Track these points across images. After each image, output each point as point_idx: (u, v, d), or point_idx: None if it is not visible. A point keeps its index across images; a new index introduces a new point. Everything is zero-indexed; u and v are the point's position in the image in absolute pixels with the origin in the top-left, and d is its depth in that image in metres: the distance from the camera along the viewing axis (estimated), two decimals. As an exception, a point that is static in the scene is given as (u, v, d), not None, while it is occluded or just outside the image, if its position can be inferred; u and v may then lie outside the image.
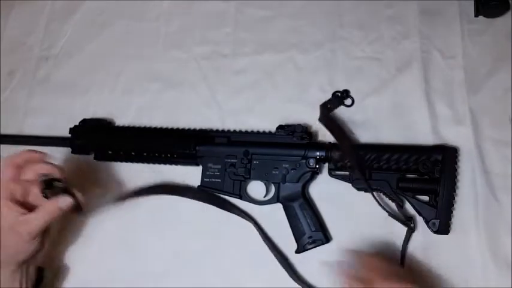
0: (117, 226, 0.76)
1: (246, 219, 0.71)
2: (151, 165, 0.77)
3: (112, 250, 0.75)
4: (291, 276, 0.67)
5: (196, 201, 0.73)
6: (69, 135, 0.79)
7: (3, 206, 0.59)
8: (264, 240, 0.69)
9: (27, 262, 0.63)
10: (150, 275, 0.72)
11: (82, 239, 0.77)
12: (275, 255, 0.68)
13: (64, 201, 0.61)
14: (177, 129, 0.75)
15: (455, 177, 0.64)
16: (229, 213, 0.72)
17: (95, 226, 0.77)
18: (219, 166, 0.72)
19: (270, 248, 0.69)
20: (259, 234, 0.70)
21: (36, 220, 0.60)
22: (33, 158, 0.64)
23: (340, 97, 0.64)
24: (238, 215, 0.72)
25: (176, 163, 0.75)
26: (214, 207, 0.72)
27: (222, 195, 0.72)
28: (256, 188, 0.72)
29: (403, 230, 0.66)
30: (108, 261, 0.74)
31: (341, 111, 0.74)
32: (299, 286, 0.67)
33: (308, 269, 0.68)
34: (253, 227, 0.71)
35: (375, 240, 0.67)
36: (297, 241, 0.68)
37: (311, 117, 0.74)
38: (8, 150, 0.85)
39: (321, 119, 0.70)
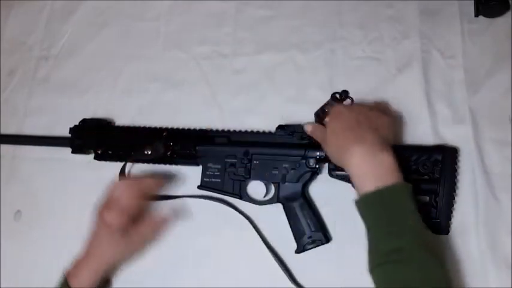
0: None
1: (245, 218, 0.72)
2: (151, 165, 0.77)
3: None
4: (288, 278, 0.67)
5: (196, 201, 0.73)
6: (69, 135, 0.79)
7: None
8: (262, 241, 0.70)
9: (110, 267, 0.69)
10: (149, 275, 0.72)
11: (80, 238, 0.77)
12: (272, 255, 0.69)
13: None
14: (177, 129, 0.75)
15: (455, 177, 0.64)
16: (228, 212, 0.72)
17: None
18: (219, 166, 0.72)
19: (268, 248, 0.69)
20: (258, 234, 0.70)
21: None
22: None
23: (340, 99, 0.64)
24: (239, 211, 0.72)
25: (176, 163, 0.75)
26: (214, 207, 0.73)
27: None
28: (256, 188, 0.72)
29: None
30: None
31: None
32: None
33: (308, 269, 0.68)
34: (256, 223, 0.71)
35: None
36: (296, 241, 0.68)
37: (311, 117, 0.74)
38: (8, 150, 0.86)
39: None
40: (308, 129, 0.67)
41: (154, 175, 0.76)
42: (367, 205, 0.56)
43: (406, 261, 0.51)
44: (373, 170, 0.56)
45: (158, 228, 0.72)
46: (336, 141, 0.61)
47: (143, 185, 0.71)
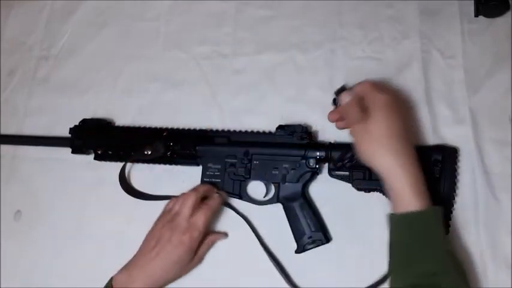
0: (115, 226, 0.77)
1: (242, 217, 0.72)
2: (151, 165, 0.77)
3: (107, 250, 0.75)
4: (284, 279, 0.67)
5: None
6: (69, 135, 0.79)
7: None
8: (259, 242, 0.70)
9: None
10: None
11: (80, 238, 0.77)
12: (267, 256, 0.69)
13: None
14: (177, 129, 0.75)
15: (455, 177, 0.64)
16: (227, 212, 0.72)
17: (93, 224, 0.77)
18: (219, 166, 0.72)
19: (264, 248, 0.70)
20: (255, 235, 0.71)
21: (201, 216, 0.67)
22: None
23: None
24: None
25: (176, 163, 0.75)
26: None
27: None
28: (256, 188, 0.72)
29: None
30: (104, 262, 0.75)
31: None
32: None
33: (308, 269, 0.68)
34: (256, 223, 0.71)
35: (375, 240, 0.67)
36: (296, 241, 0.68)
37: (311, 117, 0.74)
38: (8, 150, 0.86)
39: None
40: (343, 99, 0.61)
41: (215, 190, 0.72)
42: (405, 224, 0.56)
43: (441, 286, 0.52)
44: (413, 188, 0.55)
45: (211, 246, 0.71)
46: (379, 138, 0.58)
47: (215, 203, 0.70)
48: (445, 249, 0.54)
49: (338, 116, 0.61)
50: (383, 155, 0.57)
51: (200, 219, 0.66)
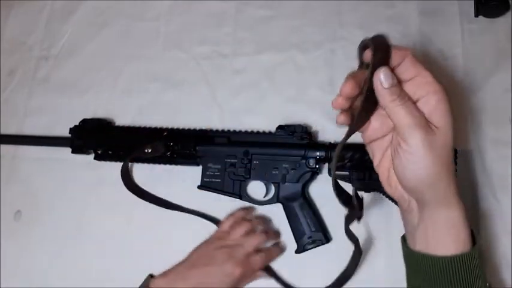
0: (115, 226, 0.77)
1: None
2: (151, 165, 0.77)
3: (107, 250, 0.75)
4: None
5: (198, 200, 0.74)
6: (69, 135, 0.79)
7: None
8: None
9: None
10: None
11: (80, 238, 0.77)
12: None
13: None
14: (177, 129, 0.75)
15: (455, 177, 0.64)
16: (228, 209, 0.72)
17: (93, 224, 0.77)
18: (219, 166, 0.72)
19: None
20: None
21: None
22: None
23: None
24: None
25: (176, 163, 0.75)
26: (215, 203, 0.73)
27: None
28: (256, 188, 0.72)
29: (402, 230, 0.66)
30: (104, 262, 0.75)
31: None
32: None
33: (308, 269, 0.68)
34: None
35: (375, 240, 0.67)
36: (296, 241, 0.68)
37: (311, 117, 0.74)
38: (8, 150, 0.86)
39: None
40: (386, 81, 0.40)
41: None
42: (444, 268, 0.43)
43: None
44: (466, 223, 0.44)
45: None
46: (446, 155, 0.41)
47: (276, 255, 0.69)
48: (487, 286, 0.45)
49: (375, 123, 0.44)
50: (443, 179, 0.41)
51: (260, 262, 0.65)
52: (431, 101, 0.41)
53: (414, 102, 0.41)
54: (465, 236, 0.43)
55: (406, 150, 0.40)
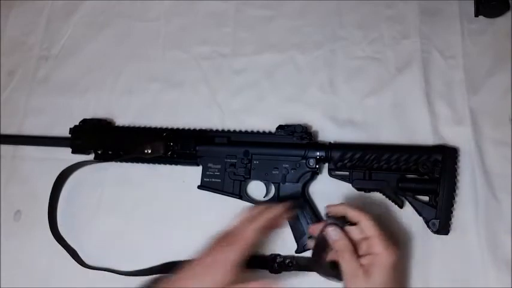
0: (115, 226, 0.77)
1: None
2: (151, 165, 0.77)
3: (107, 250, 0.75)
4: None
5: (198, 200, 0.74)
6: (69, 135, 0.79)
7: None
8: None
9: None
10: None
11: (80, 238, 0.77)
12: None
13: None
14: (177, 129, 0.75)
15: (455, 177, 0.64)
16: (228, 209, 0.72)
17: (93, 224, 0.77)
18: (219, 166, 0.71)
19: None
20: None
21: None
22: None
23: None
24: None
25: (176, 163, 0.75)
26: (215, 203, 0.73)
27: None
28: (256, 188, 0.72)
29: (402, 230, 0.66)
30: (104, 262, 0.75)
31: (342, 110, 0.74)
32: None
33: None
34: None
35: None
36: (296, 241, 0.68)
37: (311, 117, 0.74)
38: (8, 150, 0.86)
39: None
40: (334, 234, 0.56)
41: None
42: None
43: None
44: None
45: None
46: None
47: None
48: None
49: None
50: None
51: (249, 233, 0.56)
52: (374, 261, 0.54)
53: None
54: None
55: None
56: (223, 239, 0.57)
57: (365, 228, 0.55)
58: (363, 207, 0.58)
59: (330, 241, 0.56)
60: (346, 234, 0.56)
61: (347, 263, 0.54)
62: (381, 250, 0.53)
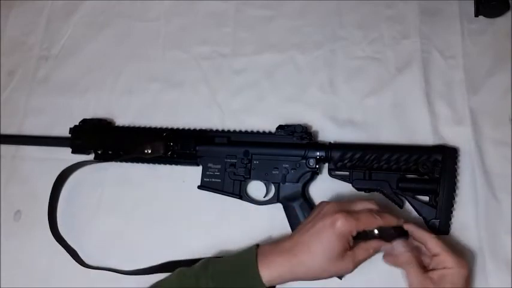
0: (115, 226, 0.77)
1: None
2: (151, 165, 0.77)
3: (108, 250, 0.75)
4: None
5: (198, 200, 0.74)
6: (69, 135, 0.79)
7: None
8: None
9: None
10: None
11: (80, 238, 0.77)
12: None
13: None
14: (177, 129, 0.75)
15: (455, 177, 0.64)
16: (230, 211, 0.72)
17: (93, 224, 0.77)
18: (219, 166, 0.72)
19: None
20: None
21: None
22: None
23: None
24: None
25: (176, 163, 0.75)
26: (215, 203, 0.73)
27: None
28: (256, 188, 0.72)
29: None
30: (104, 262, 0.75)
31: (342, 110, 0.74)
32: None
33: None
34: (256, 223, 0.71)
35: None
36: (297, 241, 0.68)
37: (311, 117, 0.74)
38: (8, 150, 0.86)
39: None
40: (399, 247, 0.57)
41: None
42: None
43: None
44: None
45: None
46: None
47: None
48: None
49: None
50: None
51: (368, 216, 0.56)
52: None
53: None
54: None
55: None
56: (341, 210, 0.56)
57: (431, 246, 0.56)
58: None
59: (395, 251, 0.57)
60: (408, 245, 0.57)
61: (415, 275, 0.55)
62: (452, 265, 0.55)
